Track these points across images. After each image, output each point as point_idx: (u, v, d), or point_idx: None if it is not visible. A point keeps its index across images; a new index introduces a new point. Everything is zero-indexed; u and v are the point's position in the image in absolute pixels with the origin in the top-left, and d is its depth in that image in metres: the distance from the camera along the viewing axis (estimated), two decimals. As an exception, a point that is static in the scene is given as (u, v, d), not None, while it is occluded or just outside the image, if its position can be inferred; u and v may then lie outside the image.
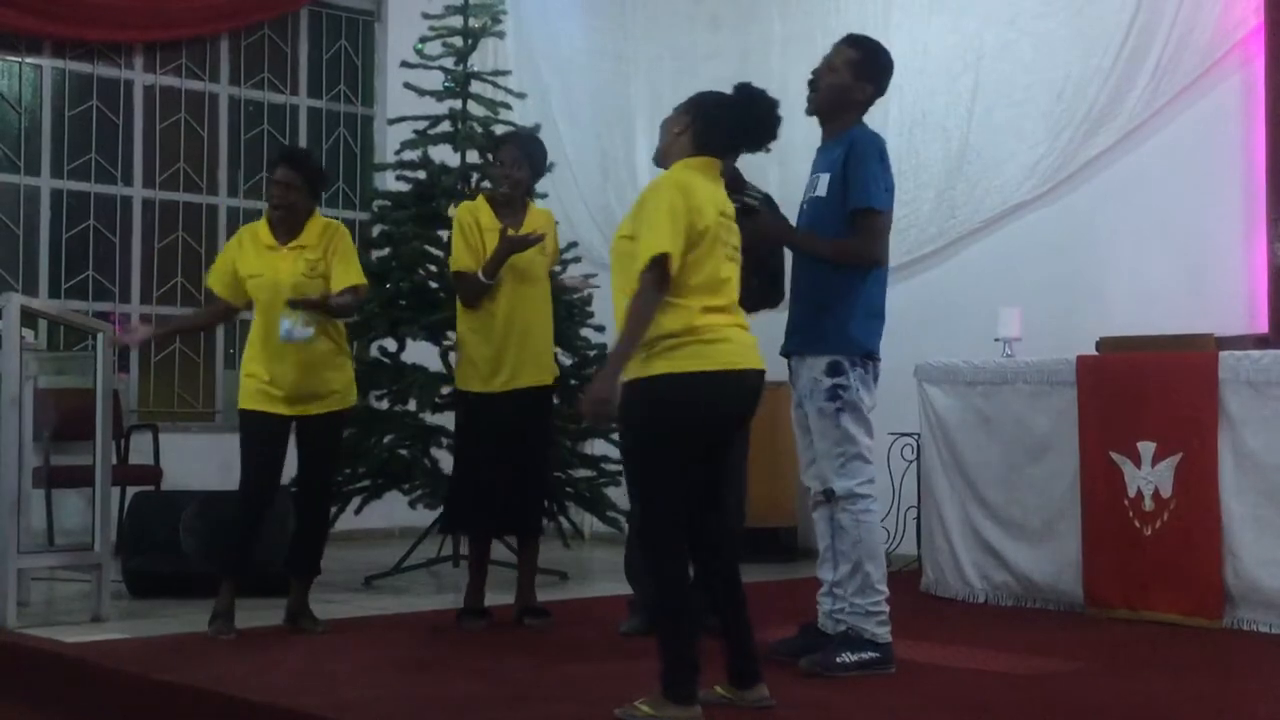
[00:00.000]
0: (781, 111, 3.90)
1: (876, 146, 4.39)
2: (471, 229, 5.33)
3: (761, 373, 3.79)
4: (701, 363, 3.64)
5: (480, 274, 5.22)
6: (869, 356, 4.37)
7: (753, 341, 3.80)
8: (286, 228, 5.22)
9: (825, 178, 4.40)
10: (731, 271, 3.79)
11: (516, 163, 5.40)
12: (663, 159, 3.93)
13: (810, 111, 4.50)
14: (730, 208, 3.86)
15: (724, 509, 3.86)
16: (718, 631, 3.78)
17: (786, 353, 4.48)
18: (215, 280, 5.34)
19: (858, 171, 4.31)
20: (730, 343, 3.71)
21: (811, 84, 4.47)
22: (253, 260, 5.21)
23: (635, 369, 3.67)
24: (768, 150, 4.00)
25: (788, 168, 6.72)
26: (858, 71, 4.42)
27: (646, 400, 3.65)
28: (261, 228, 5.29)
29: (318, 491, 5.36)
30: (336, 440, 5.45)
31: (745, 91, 3.88)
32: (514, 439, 5.27)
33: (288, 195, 5.19)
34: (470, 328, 5.37)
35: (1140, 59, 6.74)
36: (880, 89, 4.50)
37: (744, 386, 3.74)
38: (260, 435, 5.17)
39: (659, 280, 3.62)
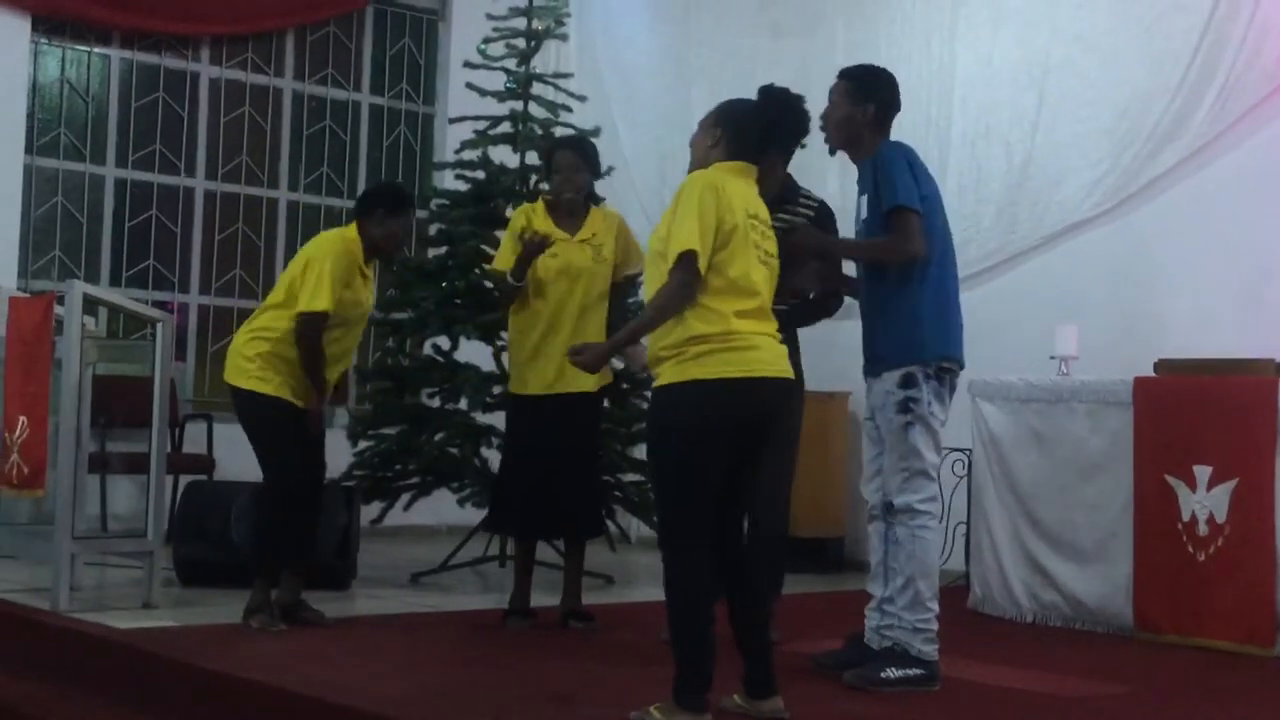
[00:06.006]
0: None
1: (901, 153, 4.45)
2: (521, 231, 5.33)
3: (789, 381, 3.81)
4: (733, 369, 3.65)
5: (509, 275, 5.24)
6: (945, 367, 4.36)
7: (783, 351, 3.80)
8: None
9: (864, 200, 4.49)
10: (763, 276, 3.78)
11: (576, 167, 5.38)
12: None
13: (831, 151, 4.65)
14: (764, 212, 3.87)
15: (748, 511, 3.86)
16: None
17: (865, 376, 4.51)
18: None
19: (884, 178, 4.38)
20: (760, 350, 3.71)
21: (822, 126, 4.60)
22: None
23: (669, 374, 3.68)
24: (803, 146, 4.06)
25: (849, 173, 6.69)
26: (854, 98, 4.51)
27: (680, 405, 3.66)
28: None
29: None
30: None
31: (770, 95, 3.91)
32: (556, 444, 5.24)
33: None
34: (518, 329, 5.37)
35: (1207, 79, 6.66)
36: (884, 103, 4.54)
37: (771, 392, 3.74)
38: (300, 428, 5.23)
39: (687, 278, 3.64)
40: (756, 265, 3.74)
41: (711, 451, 3.66)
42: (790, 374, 3.81)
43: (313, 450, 5.31)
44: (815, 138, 4.62)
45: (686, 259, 3.63)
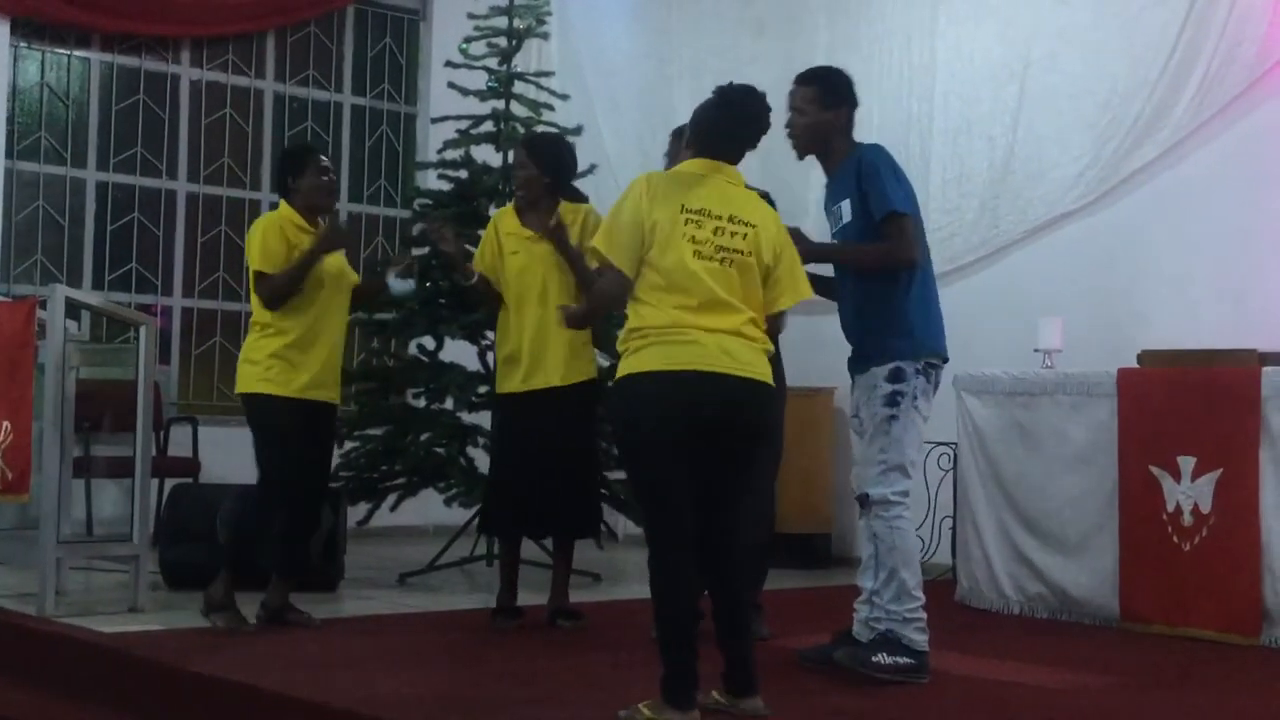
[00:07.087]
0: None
1: (884, 158, 4.43)
2: (489, 234, 5.44)
3: (744, 380, 3.65)
4: (664, 363, 3.60)
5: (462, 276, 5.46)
6: (931, 362, 4.37)
7: (733, 347, 3.66)
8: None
9: (846, 204, 4.44)
10: (704, 269, 3.66)
11: (521, 164, 5.41)
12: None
13: (800, 155, 4.59)
14: (722, 207, 3.73)
15: (731, 516, 3.78)
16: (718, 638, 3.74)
17: (852, 373, 4.51)
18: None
19: (872, 184, 4.35)
20: (701, 345, 3.62)
21: (789, 134, 4.51)
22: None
23: (620, 369, 3.71)
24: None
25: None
26: (824, 103, 4.44)
27: (621, 399, 3.68)
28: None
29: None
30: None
31: (729, 92, 3.88)
32: (534, 442, 5.25)
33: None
34: (498, 332, 5.45)
35: (1186, 72, 6.70)
36: (852, 105, 4.52)
37: (716, 390, 3.60)
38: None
39: (605, 284, 3.77)
40: (692, 260, 3.65)
41: (656, 447, 3.60)
42: (742, 372, 3.66)
43: (319, 459, 5.34)
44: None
45: (606, 263, 3.73)
